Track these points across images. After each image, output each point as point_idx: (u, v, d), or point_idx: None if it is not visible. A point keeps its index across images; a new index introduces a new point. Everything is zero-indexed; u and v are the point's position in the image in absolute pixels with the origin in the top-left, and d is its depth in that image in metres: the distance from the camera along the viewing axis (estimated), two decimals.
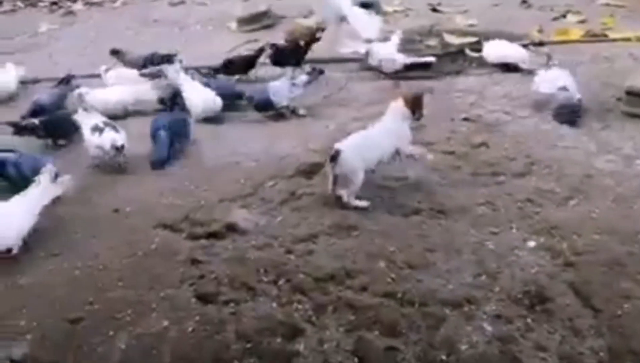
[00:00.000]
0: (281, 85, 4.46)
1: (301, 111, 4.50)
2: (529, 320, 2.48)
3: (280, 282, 2.72)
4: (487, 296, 2.60)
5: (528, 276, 2.71)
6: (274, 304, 2.58)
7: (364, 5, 6.98)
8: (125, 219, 3.19)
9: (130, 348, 2.35)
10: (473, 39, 5.90)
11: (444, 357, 2.32)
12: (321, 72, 4.65)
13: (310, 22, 6.85)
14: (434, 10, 7.18)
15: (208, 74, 4.97)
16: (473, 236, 3.01)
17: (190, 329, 2.43)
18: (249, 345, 2.36)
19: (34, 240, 2.99)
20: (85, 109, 4.07)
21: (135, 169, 3.72)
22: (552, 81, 4.28)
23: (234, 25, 6.74)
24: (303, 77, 4.56)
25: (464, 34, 6.12)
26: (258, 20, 6.79)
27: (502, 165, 3.63)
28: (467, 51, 5.64)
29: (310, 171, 3.70)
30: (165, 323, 2.46)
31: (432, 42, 5.98)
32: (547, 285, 2.63)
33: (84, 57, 5.51)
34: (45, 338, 2.45)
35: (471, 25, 6.53)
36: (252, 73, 5.12)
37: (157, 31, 6.76)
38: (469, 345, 2.37)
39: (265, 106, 4.43)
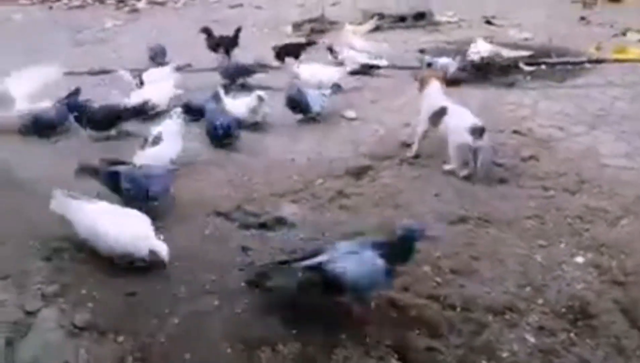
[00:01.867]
0: (314, 93, 4.59)
1: (351, 115, 4.60)
2: (572, 335, 2.47)
3: None
4: (531, 308, 2.61)
5: (574, 291, 2.70)
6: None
7: (417, 17, 7.08)
8: (183, 206, 3.36)
9: (183, 322, 2.49)
10: (527, 53, 5.88)
11: (484, 362, 2.34)
12: (339, 86, 4.78)
13: (362, 28, 6.98)
14: (488, 22, 7.18)
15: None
16: (519, 247, 3.01)
17: (239, 310, 2.55)
18: (294, 331, 2.45)
19: None
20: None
21: (193, 161, 3.90)
22: None
23: (288, 28, 6.94)
24: (328, 90, 4.68)
25: (518, 47, 6.09)
26: (312, 26, 6.97)
27: (552, 180, 3.61)
28: (521, 65, 5.62)
29: (359, 172, 3.80)
30: (216, 303, 2.59)
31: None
32: (593, 301, 2.62)
33: (145, 53, 5.80)
34: (105, 308, 2.62)
35: (526, 39, 6.49)
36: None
37: (215, 31, 7.00)
38: (510, 353, 2.38)
39: (301, 107, 4.52)
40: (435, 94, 3.89)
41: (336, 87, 4.73)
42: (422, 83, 4.00)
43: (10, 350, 2.44)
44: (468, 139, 3.55)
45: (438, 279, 2.79)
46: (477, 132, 3.55)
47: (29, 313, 2.62)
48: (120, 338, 2.46)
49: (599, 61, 5.66)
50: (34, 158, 4.08)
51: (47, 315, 2.61)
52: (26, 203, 3.35)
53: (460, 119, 3.65)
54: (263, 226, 3.18)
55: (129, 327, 2.50)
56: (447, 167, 3.70)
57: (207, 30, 5.74)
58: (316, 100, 4.53)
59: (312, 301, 2.45)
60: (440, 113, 3.75)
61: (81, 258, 2.95)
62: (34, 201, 3.23)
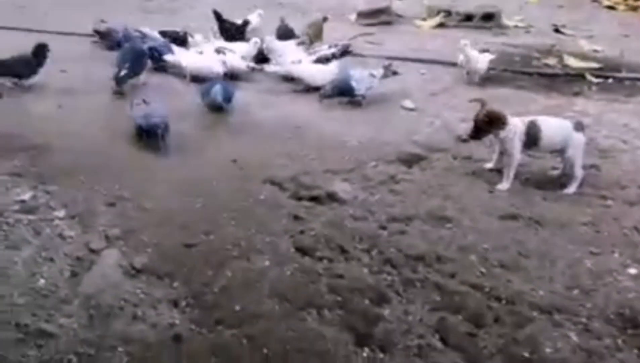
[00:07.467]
0: (362, 74, 4.62)
1: (410, 105, 4.62)
2: (619, 341, 2.43)
3: (373, 252, 2.87)
4: (578, 310, 2.58)
5: (624, 300, 2.64)
6: (365, 270, 2.74)
7: (485, 18, 6.97)
8: (241, 170, 3.50)
9: (235, 276, 2.61)
10: (595, 65, 5.72)
11: (526, 354, 2.34)
12: (395, 72, 4.79)
13: (427, 24, 6.96)
14: (557, 30, 7.00)
15: None
16: (571, 251, 2.97)
17: (288, 273, 2.65)
18: (339, 299, 2.53)
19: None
20: None
21: (254, 130, 4.04)
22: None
23: (353, 17, 6.99)
24: (381, 70, 4.71)
25: (586, 58, 5.93)
26: (377, 16, 7.00)
27: (612, 190, 3.53)
28: (588, 76, 5.48)
29: (411, 160, 3.83)
30: (267, 263, 2.70)
31: (551, 61, 5.86)
32: None
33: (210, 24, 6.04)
34: (162, 255, 2.78)
35: (595, 51, 6.30)
36: None
37: (281, 14, 7.13)
38: (553, 349, 2.37)
39: (345, 92, 4.59)
40: (512, 123, 3.44)
41: (389, 70, 4.73)
42: (489, 123, 3.41)
43: (75, 281, 2.63)
44: (581, 138, 3.46)
45: (484, 270, 2.79)
46: (581, 127, 3.50)
47: (93, 251, 2.82)
48: (175, 284, 2.60)
49: None
50: None
51: (109, 254, 2.79)
52: None
53: (559, 126, 3.51)
54: (314, 199, 3.27)
55: (184, 274, 2.65)
56: (571, 190, 3.46)
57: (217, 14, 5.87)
58: (361, 82, 4.56)
59: None
60: (535, 130, 3.42)
61: (144, 208, 3.13)
62: None
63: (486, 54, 5.25)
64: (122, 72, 4.57)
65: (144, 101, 3.96)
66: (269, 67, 5.14)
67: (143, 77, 4.82)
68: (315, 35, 5.78)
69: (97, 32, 5.85)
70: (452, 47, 5.88)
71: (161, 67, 5.18)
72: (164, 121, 3.71)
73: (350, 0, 7.68)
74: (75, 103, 4.45)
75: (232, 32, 5.81)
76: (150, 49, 5.14)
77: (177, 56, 5.11)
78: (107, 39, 5.71)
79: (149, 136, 3.65)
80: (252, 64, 5.13)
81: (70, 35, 6.14)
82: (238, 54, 5.19)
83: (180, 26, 6.02)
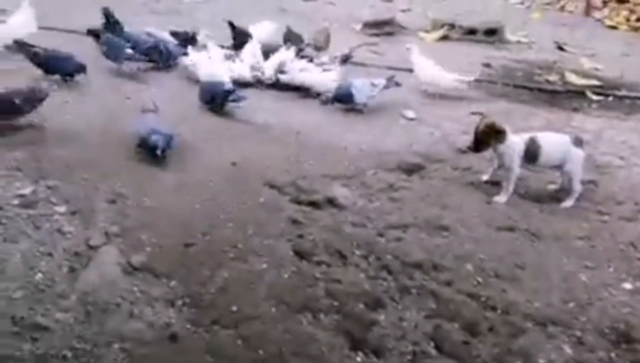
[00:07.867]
0: (363, 83, 4.68)
1: (411, 115, 4.66)
2: (612, 354, 2.45)
3: (370, 258, 2.89)
4: (572, 323, 2.60)
5: (619, 314, 2.66)
6: (362, 275, 2.76)
7: (488, 32, 7.03)
8: (241, 173, 3.52)
9: (232, 277, 2.62)
10: (595, 83, 5.78)
11: None
12: (397, 84, 4.83)
13: (430, 36, 7.02)
14: (560, 48, 7.05)
15: None
16: (566, 265, 2.99)
17: (285, 276, 2.67)
18: (335, 303, 2.54)
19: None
20: None
21: (255, 134, 4.07)
22: None
23: (358, 27, 7.05)
24: (382, 81, 4.76)
25: (587, 76, 5.99)
26: (381, 27, 7.06)
27: (608, 206, 3.55)
28: (588, 93, 5.54)
29: (411, 169, 3.85)
30: (264, 266, 2.72)
31: (553, 77, 5.91)
32: (638, 326, 2.58)
33: (215, 30, 6.09)
34: (161, 254, 2.79)
35: (596, 69, 6.36)
36: None
37: (286, 21, 7.19)
38: (547, 360, 2.39)
39: (344, 99, 4.65)
40: (512, 138, 3.46)
41: (392, 81, 4.78)
42: (489, 135, 3.42)
43: (72, 277, 2.64)
44: (580, 153, 3.50)
45: (480, 279, 2.81)
46: (580, 142, 3.54)
47: (91, 248, 2.83)
48: (172, 283, 2.62)
49: None
50: None
51: (107, 251, 2.81)
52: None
53: (558, 142, 3.54)
54: (313, 204, 3.29)
55: (181, 274, 2.66)
56: (568, 204, 3.50)
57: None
58: (362, 91, 4.62)
59: None
60: (535, 146, 3.45)
61: (143, 207, 3.14)
62: None
63: (455, 74, 5.15)
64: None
65: (154, 106, 4.01)
66: (282, 77, 5.12)
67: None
68: (323, 43, 5.82)
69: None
70: (455, 60, 5.95)
71: (166, 66, 5.22)
72: (169, 137, 3.63)
73: (356, 10, 7.74)
74: (82, 100, 4.48)
75: (244, 40, 5.84)
76: (156, 47, 5.19)
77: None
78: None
79: (151, 151, 3.56)
80: (259, 73, 5.14)
81: (76, 33, 6.16)
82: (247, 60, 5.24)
83: (189, 27, 6.06)
